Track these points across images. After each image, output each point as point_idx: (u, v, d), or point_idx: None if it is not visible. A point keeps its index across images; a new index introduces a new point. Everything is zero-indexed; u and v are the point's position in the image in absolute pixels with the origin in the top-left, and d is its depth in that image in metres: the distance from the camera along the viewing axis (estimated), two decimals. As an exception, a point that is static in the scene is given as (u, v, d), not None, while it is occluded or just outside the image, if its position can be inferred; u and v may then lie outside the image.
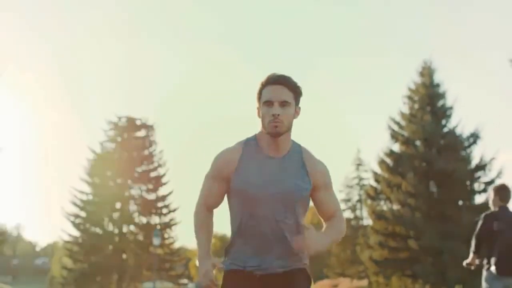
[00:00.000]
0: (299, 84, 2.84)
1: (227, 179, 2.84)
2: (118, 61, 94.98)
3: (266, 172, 2.79)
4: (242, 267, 2.81)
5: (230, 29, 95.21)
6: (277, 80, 2.78)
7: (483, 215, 6.14)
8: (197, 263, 2.81)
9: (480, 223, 6.08)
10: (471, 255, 6.07)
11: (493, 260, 5.88)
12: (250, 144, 2.86)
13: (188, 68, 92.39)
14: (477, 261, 6.07)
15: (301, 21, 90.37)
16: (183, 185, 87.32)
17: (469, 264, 6.07)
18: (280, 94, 2.75)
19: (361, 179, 44.44)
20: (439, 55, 73.24)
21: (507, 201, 6.08)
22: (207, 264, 2.78)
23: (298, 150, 2.87)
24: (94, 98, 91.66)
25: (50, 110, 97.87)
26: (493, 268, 5.86)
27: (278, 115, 2.72)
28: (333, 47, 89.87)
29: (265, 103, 2.77)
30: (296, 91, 2.81)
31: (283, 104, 2.75)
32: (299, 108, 2.85)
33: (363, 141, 73.60)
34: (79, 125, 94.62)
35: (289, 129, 2.80)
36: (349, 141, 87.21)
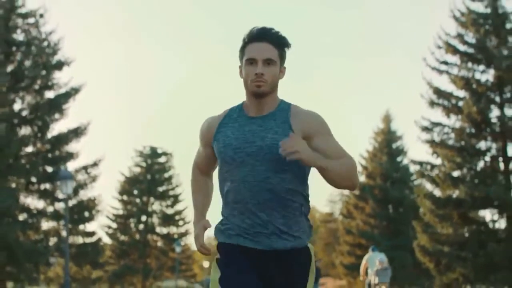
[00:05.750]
0: (284, 36, 2.57)
1: (210, 145, 2.68)
2: (117, 63, 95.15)
3: (245, 133, 2.55)
4: (230, 239, 2.56)
5: (230, 31, 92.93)
6: (261, 36, 2.53)
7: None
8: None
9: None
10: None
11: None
12: (233, 109, 2.66)
13: (189, 72, 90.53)
14: None
15: (302, 23, 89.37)
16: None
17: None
18: (264, 51, 2.51)
19: (342, 195, 52.65)
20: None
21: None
22: (198, 227, 2.63)
23: (285, 108, 2.59)
24: (94, 100, 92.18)
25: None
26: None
27: (262, 74, 2.48)
28: (334, 50, 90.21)
29: (247, 61, 2.52)
30: (281, 47, 2.56)
31: (267, 62, 2.51)
32: (285, 68, 2.60)
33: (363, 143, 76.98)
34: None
35: (273, 89, 2.55)
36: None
